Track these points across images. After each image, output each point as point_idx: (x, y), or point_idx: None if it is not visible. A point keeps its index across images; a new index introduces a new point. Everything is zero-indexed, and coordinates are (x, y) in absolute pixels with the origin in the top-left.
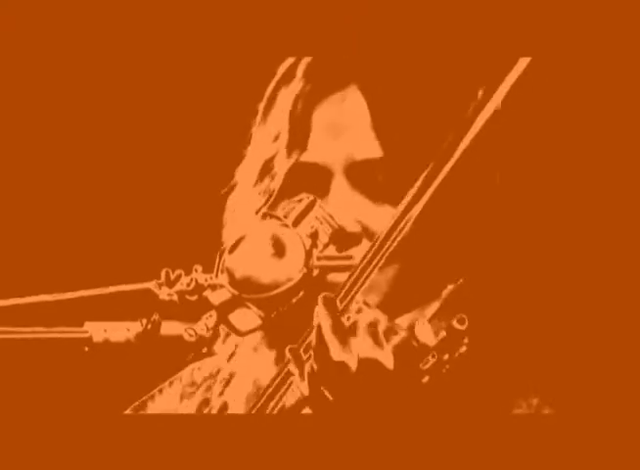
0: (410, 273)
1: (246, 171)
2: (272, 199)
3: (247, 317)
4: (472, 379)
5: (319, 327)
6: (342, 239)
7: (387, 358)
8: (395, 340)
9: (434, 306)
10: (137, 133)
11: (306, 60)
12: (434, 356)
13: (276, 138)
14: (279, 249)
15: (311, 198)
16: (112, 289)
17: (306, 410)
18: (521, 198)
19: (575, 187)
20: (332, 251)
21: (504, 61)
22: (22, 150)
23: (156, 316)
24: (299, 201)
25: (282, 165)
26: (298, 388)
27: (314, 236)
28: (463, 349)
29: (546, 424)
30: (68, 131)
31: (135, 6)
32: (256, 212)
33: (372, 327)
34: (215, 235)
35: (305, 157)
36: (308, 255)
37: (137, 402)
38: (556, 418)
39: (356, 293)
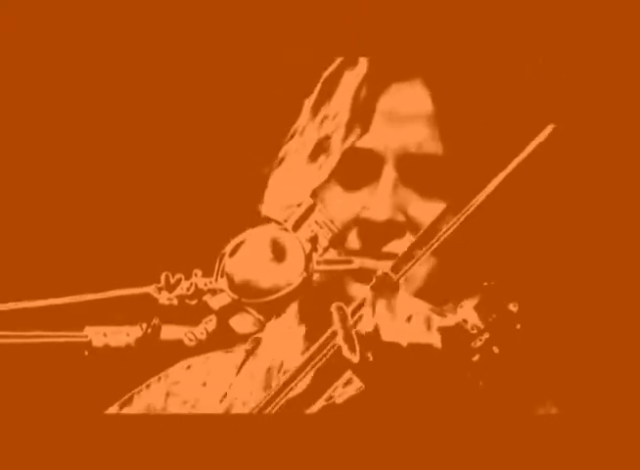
0: (444, 271)
1: (296, 148)
2: (326, 176)
3: (246, 322)
4: (518, 364)
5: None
6: (387, 228)
7: (435, 339)
8: (445, 322)
9: (472, 302)
10: (137, 136)
11: (365, 58)
12: (485, 335)
13: (335, 117)
14: (279, 253)
15: (311, 202)
16: (111, 293)
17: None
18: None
19: (619, 194)
20: (332, 255)
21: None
22: (22, 154)
23: (155, 321)
24: (299, 205)
25: (338, 145)
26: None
27: (314, 240)
28: (517, 327)
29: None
30: (68, 137)
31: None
32: (311, 191)
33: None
34: (215, 239)
35: (362, 141)
36: (308, 259)
37: (124, 398)
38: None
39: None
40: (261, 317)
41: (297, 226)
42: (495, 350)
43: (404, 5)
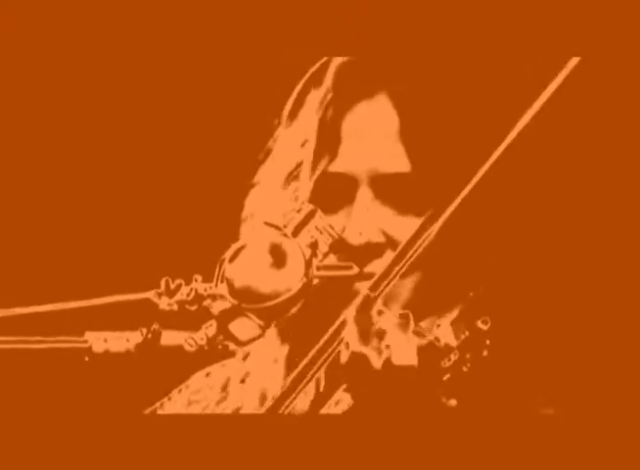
0: (429, 282)
1: (270, 174)
2: (301, 204)
3: (247, 327)
4: (489, 380)
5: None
6: (367, 249)
7: (411, 356)
8: (419, 340)
9: (454, 313)
10: (138, 140)
11: (335, 63)
12: (455, 354)
13: (304, 143)
14: (279, 259)
15: (311, 207)
16: (112, 299)
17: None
18: (540, 208)
19: (598, 196)
20: (332, 260)
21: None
22: (23, 161)
23: (156, 326)
24: (299, 211)
25: (309, 173)
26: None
27: (314, 246)
28: (485, 350)
29: (550, 424)
30: (70, 143)
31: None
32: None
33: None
34: (215, 245)
35: (333, 166)
36: (308, 264)
37: (147, 411)
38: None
39: (377, 297)
40: (261, 322)
41: (296, 232)
42: (464, 369)
43: (365, 16)
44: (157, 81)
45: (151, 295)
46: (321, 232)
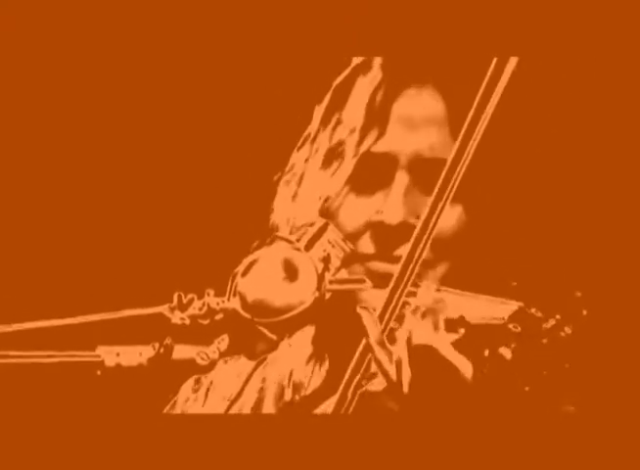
0: (459, 271)
1: (307, 156)
2: (341, 182)
3: (259, 341)
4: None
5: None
6: (400, 231)
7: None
8: (507, 309)
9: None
10: (150, 156)
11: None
12: (555, 319)
13: (349, 123)
14: (291, 272)
15: (323, 222)
16: (124, 313)
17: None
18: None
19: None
20: (344, 274)
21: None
22: (30, 171)
23: (168, 340)
24: (312, 225)
25: (352, 151)
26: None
27: (326, 260)
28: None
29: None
30: (81, 157)
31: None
32: (324, 199)
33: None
34: (228, 259)
35: (377, 146)
36: (320, 278)
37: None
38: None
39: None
40: (274, 336)
41: (309, 246)
42: (567, 330)
43: (416, 11)
44: (181, 83)
45: (163, 309)
46: (333, 246)
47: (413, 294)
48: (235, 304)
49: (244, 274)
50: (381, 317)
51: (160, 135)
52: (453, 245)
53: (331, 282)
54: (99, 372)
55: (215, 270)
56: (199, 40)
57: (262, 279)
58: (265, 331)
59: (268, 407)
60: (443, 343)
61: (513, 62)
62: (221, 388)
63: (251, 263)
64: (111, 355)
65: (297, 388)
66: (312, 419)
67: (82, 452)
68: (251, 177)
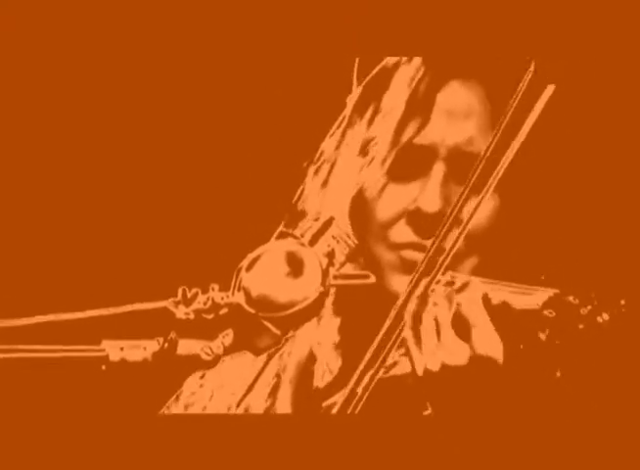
0: (489, 265)
1: (340, 144)
2: (380, 171)
3: (263, 335)
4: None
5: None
6: (436, 220)
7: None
8: (541, 295)
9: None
10: (154, 147)
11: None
12: (593, 305)
13: (390, 113)
14: (296, 268)
15: (328, 217)
16: (128, 307)
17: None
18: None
19: None
20: (348, 269)
21: None
22: (33, 167)
23: (172, 335)
24: (316, 220)
25: (393, 141)
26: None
27: (331, 255)
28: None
29: None
30: (83, 148)
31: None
32: (358, 187)
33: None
34: (232, 253)
35: (419, 137)
36: (325, 274)
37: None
38: None
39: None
40: (278, 332)
41: (313, 241)
42: (605, 317)
43: (457, 5)
44: (203, 73)
45: (168, 304)
46: (338, 241)
47: (450, 284)
48: (239, 298)
49: (248, 269)
50: (403, 305)
51: (166, 128)
52: (486, 237)
53: (335, 277)
54: (103, 367)
55: (220, 265)
56: (229, 32)
57: (267, 274)
58: (270, 326)
59: (282, 402)
60: (478, 322)
61: (550, 89)
62: (229, 382)
63: (256, 258)
64: (115, 350)
65: (311, 380)
66: (324, 414)
67: (86, 447)
68: (256, 172)
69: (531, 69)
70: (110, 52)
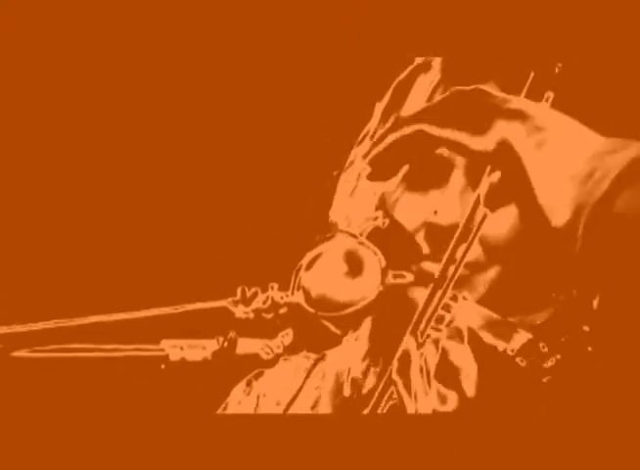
0: (512, 278)
1: (364, 152)
2: (398, 181)
3: (322, 335)
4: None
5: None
6: (453, 232)
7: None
8: (519, 339)
9: (544, 315)
10: (214, 144)
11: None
12: (557, 356)
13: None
14: (355, 267)
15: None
16: (188, 307)
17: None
18: None
19: None
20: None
21: None
22: (89, 166)
23: (232, 334)
24: (375, 219)
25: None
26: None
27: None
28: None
29: None
30: (147, 149)
31: None
32: (378, 195)
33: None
34: (291, 253)
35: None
36: (384, 272)
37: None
38: None
39: (448, 286)
40: (338, 331)
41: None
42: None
43: (476, 8)
44: (247, 74)
45: (227, 303)
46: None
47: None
48: (299, 298)
49: (307, 268)
50: (418, 319)
51: (223, 126)
52: (506, 249)
53: (394, 276)
54: (163, 366)
55: (279, 264)
56: (263, 33)
57: (326, 273)
58: (329, 325)
59: (325, 405)
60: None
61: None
62: (275, 390)
63: (315, 257)
64: (175, 349)
65: (355, 385)
66: (365, 419)
67: (148, 446)
68: (315, 171)
69: (531, 75)
70: (125, 53)
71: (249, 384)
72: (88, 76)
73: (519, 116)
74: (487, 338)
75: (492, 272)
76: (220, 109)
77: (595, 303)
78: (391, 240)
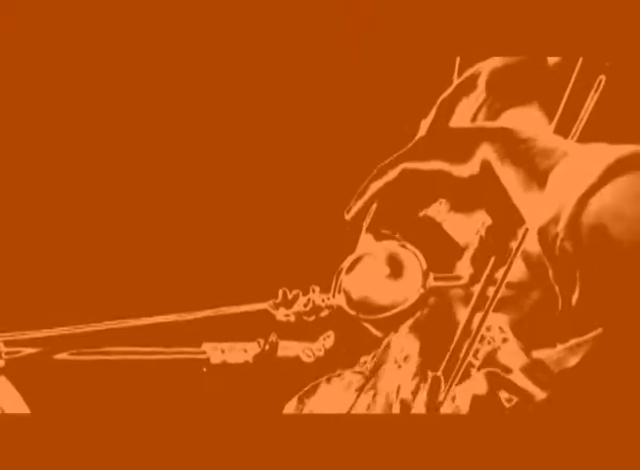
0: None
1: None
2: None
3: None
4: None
5: None
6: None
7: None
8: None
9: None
10: (258, 150)
11: (486, 72)
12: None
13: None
14: (396, 269)
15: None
16: (229, 310)
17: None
18: None
19: None
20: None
21: None
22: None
23: (273, 337)
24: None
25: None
26: None
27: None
28: None
29: None
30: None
31: None
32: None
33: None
34: (332, 255)
35: None
36: (425, 275)
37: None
38: None
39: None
40: (379, 333)
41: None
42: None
43: (519, 28)
44: (290, 83)
45: (268, 306)
46: None
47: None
48: (340, 300)
49: (349, 271)
50: (458, 344)
51: (273, 128)
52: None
53: (436, 279)
54: (204, 369)
55: (320, 267)
56: (308, 38)
57: (367, 276)
58: (371, 328)
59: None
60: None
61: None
62: (326, 408)
63: (356, 260)
64: (216, 352)
65: (404, 404)
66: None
67: (190, 449)
68: (358, 177)
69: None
70: (127, 53)
71: (300, 401)
72: (88, 76)
73: (498, 135)
74: (523, 382)
75: (537, 293)
76: (262, 110)
77: (574, 298)
78: (434, 242)
